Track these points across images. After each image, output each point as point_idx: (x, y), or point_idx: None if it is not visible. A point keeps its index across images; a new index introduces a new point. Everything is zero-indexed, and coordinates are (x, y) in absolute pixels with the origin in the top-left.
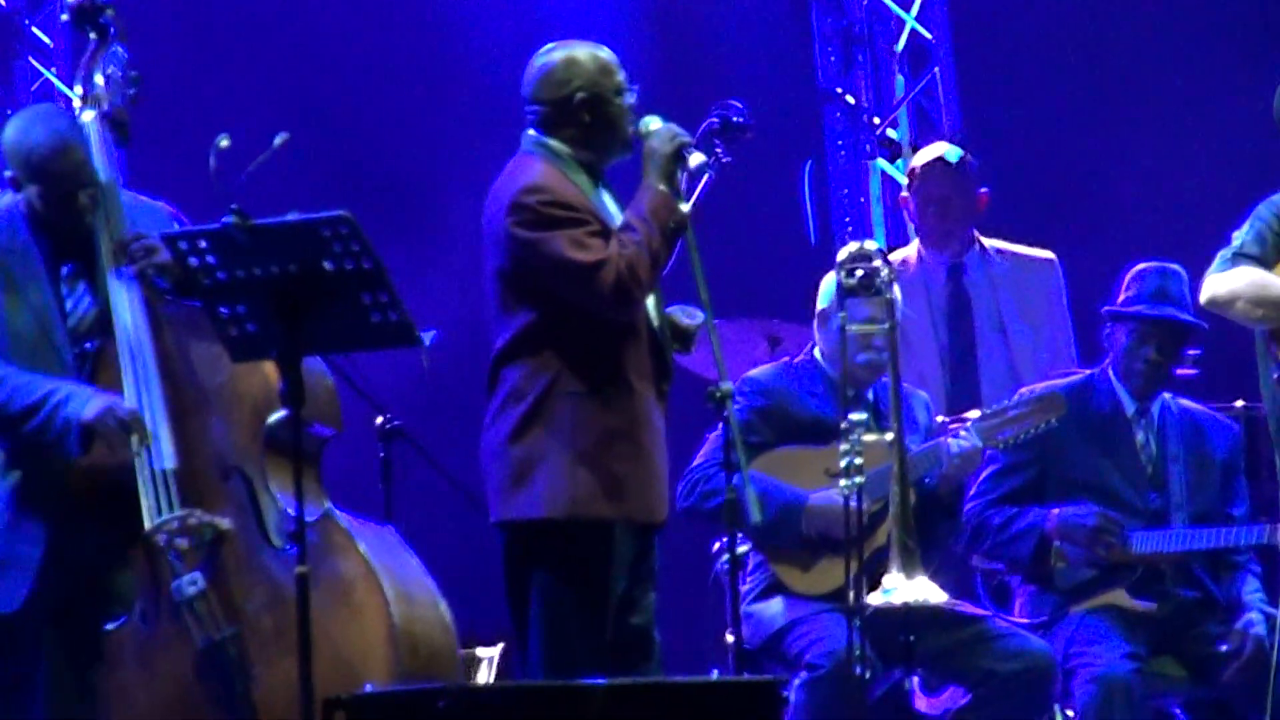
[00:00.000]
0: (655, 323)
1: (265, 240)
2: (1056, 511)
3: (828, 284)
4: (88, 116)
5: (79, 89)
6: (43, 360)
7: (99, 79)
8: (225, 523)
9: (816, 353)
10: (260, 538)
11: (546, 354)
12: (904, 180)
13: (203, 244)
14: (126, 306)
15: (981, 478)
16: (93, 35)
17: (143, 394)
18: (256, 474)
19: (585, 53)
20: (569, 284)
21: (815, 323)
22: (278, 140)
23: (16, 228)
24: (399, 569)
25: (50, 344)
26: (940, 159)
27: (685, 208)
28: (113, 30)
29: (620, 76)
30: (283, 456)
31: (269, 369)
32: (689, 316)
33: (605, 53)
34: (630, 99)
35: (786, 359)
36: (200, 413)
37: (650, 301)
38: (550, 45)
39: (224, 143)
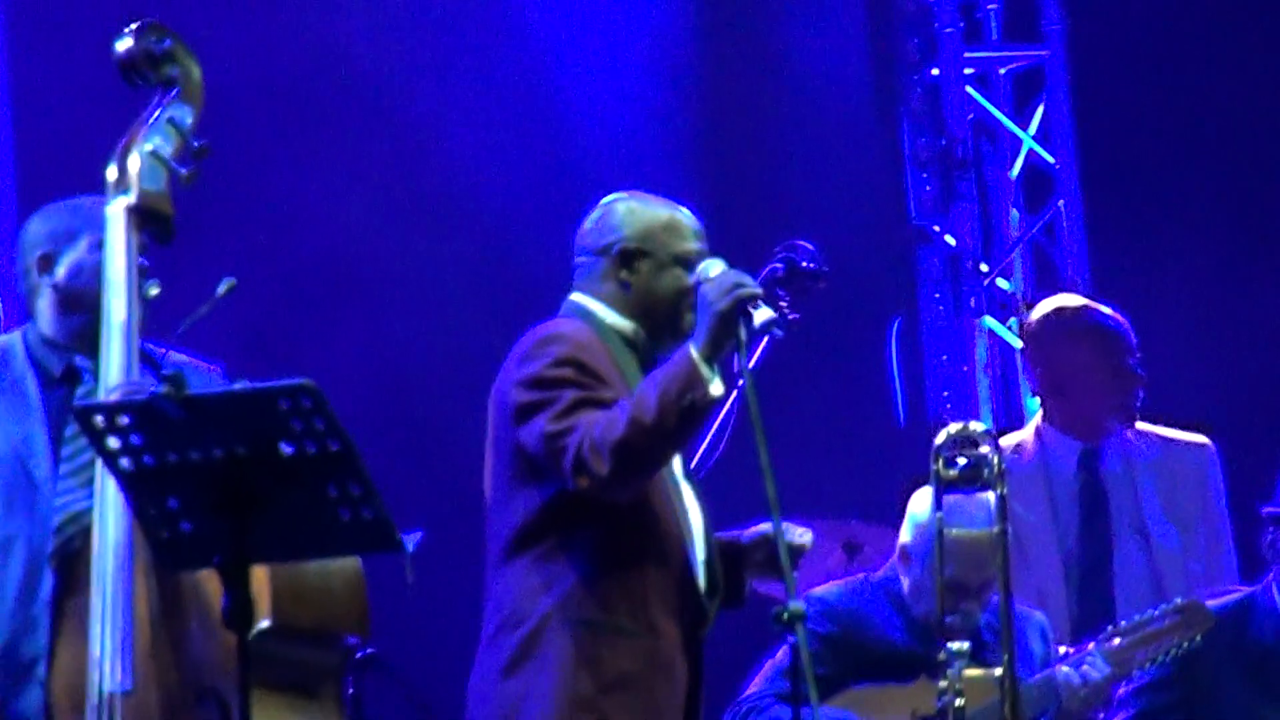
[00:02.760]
0: (700, 554)
1: (206, 415)
2: None
3: (917, 507)
4: (115, 208)
5: (114, 168)
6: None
7: (135, 154)
8: None
9: (900, 573)
10: None
11: (549, 569)
12: (1017, 343)
13: (124, 420)
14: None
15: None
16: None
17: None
18: (234, 699)
19: (655, 203)
20: (540, 458)
21: (898, 555)
22: (222, 288)
23: (11, 359)
24: None
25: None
26: (1089, 309)
27: (718, 387)
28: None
29: (692, 246)
30: (268, 682)
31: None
32: (800, 536)
33: (688, 216)
34: (693, 279)
35: (863, 575)
36: (177, 618)
37: (696, 524)
38: (618, 194)
39: (226, 288)
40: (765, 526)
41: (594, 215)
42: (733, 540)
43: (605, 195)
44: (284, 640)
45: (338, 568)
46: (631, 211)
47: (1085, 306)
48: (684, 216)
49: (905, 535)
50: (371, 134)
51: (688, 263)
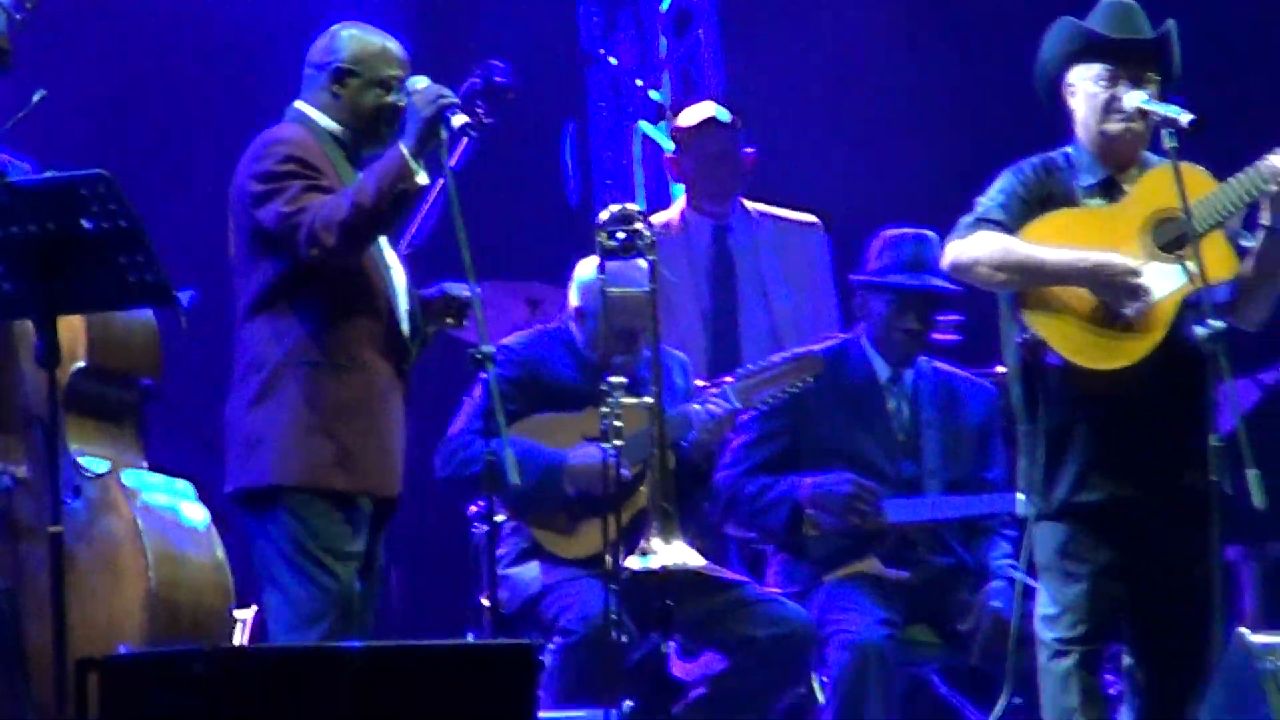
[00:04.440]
0: (403, 303)
1: (22, 199)
2: (810, 481)
3: (581, 273)
4: None
5: None
6: None
7: None
8: (23, 470)
9: (570, 323)
10: (51, 493)
11: (283, 322)
12: (666, 143)
13: None
14: None
15: (735, 446)
16: None
17: None
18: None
19: (371, 34)
20: (276, 236)
21: (571, 311)
22: (36, 97)
23: None
24: (174, 530)
25: None
26: (713, 118)
27: (423, 178)
28: None
29: (395, 72)
30: (84, 410)
31: (76, 318)
32: (461, 290)
33: (396, 47)
34: (397, 100)
35: (539, 326)
36: (13, 358)
37: (398, 282)
38: (345, 23)
39: (38, 97)
40: (448, 286)
41: (324, 37)
42: (422, 295)
43: (335, 24)
44: (97, 379)
45: (139, 323)
46: (352, 38)
47: (713, 114)
48: (393, 46)
49: (574, 296)
50: None
51: (389, 85)
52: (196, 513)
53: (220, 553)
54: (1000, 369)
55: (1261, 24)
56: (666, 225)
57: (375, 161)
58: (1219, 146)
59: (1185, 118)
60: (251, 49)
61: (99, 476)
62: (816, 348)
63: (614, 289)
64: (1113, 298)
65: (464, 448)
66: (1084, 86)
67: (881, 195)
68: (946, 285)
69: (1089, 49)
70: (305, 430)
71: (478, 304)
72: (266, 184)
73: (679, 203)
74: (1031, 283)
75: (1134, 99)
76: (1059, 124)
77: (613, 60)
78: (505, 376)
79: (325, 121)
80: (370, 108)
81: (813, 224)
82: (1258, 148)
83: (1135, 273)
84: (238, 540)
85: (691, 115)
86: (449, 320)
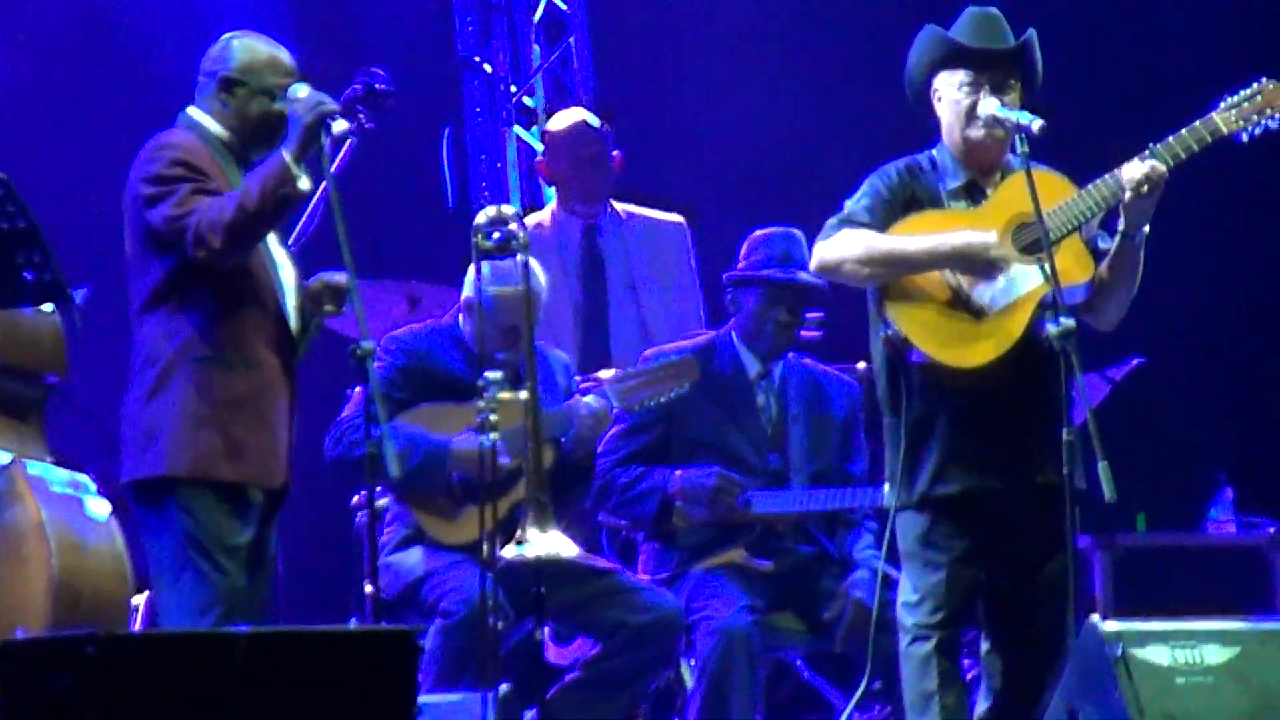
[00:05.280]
0: (291, 299)
1: None
2: (679, 474)
3: (474, 270)
4: None
5: None
6: None
7: None
8: None
9: (460, 318)
10: None
11: (175, 319)
12: (539, 146)
13: None
14: None
15: (609, 436)
16: None
17: None
18: None
19: (261, 43)
20: (165, 236)
21: (463, 307)
22: None
23: None
24: (77, 520)
25: None
26: (584, 122)
27: (305, 183)
28: None
29: (280, 80)
30: None
31: None
32: (338, 277)
33: (284, 56)
34: (282, 109)
35: (431, 321)
36: None
37: (287, 279)
38: (236, 32)
39: None
40: (325, 274)
41: (216, 45)
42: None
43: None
44: (4, 376)
45: (46, 321)
46: (241, 48)
47: (584, 119)
48: (283, 56)
49: (467, 289)
50: None
51: (275, 94)
52: (97, 504)
53: (120, 542)
54: (862, 364)
55: (1122, 32)
56: (539, 225)
57: (260, 165)
58: (1082, 151)
59: (1036, 124)
60: (144, 53)
61: (4, 468)
62: (687, 344)
63: (493, 288)
64: (977, 274)
65: (353, 429)
66: (948, 93)
67: (746, 195)
68: (815, 279)
69: (953, 57)
70: (196, 423)
71: (358, 299)
72: (155, 186)
73: (551, 204)
74: (897, 273)
75: (987, 106)
76: (919, 129)
77: (488, 67)
78: (396, 365)
79: (215, 128)
80: (257, 115)
81: (677, 223)
82: (1120, 153)
83: (994, 246)
84: (134, 529)
85: (562, 120)
86: (328, 307)
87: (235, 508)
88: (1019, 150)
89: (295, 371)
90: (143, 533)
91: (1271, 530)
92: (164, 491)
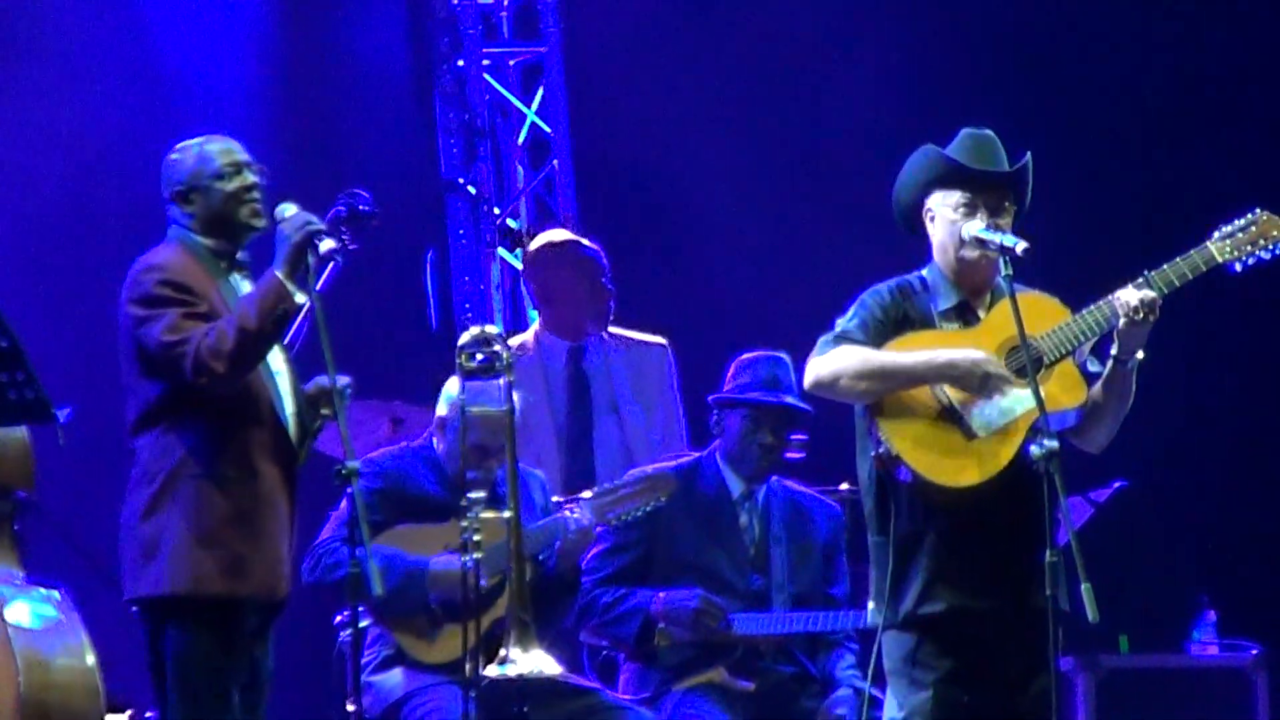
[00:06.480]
0: (289, 405)
1: None
2: (663, 595)
3: (449, 388)
4: None
5: None
6: None
7: None
8: None
9: (434, 440)
10: None
11: (172, 435)
12: (521, 267)
13: None
14: None
15: (591, 555)
16: None
17: None
18: None
19: (188, 146)
20: (159, 361)
21: (434, 426)
22: None
23: None
24: (44, 636)
25: None
26: (573, 241)
27: (300, 298)
28: None
29: (221, 162)
30: None
31: None
32: (341, 381)
33: (214, 143)
34: (242, 180)
35: (405, 443)
36: None
37: (284, 386)
38: (174, 148)
39: None
40: (319, 379)
41: (163, 170)
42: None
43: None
44: None
45: (13, 437)
46: (173, 162)
47: (570, 240)
48: (213, 144)
49: (441, 409)
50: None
51: (225, 174)
52: (66, 618)
53: (90, 657)
54: (844, 486)
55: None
56: (523, 347)
57: (255, 288)
58: (1082, 273)
59: (1020, 245)
60: (132, 169)
61: None
62: (670, 465)
63: (474, 408)
64: (973, 389)
65: (330, 553)
66: (943, 213)
67: (728, 319)
68: (801, 404)
69: (950, 177)
70: (194, 542)
71: (342, 419)
72: (145, 308)
73: (534, 325)
74: (893, 386)
75: (971, 228)
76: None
77: (471, 189)
78: (371, 488)
79: (197, 237)
80: (220, 204)
81: (661, 345)
82: (1115, 277)
83: (991, 362)
84: (133, 641)
85: (544, 240)
86: (325, 410)
87: (233, 626)
88: (1002, 273)
89: (296, 478)
90: (146, 648)
91: (1254, 652)
92: (164, 611)
